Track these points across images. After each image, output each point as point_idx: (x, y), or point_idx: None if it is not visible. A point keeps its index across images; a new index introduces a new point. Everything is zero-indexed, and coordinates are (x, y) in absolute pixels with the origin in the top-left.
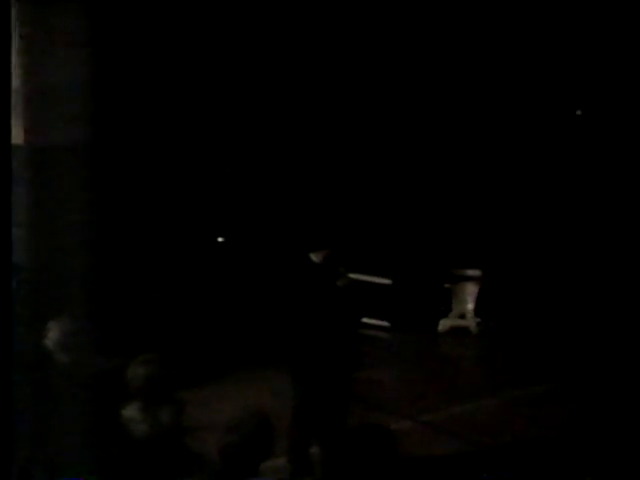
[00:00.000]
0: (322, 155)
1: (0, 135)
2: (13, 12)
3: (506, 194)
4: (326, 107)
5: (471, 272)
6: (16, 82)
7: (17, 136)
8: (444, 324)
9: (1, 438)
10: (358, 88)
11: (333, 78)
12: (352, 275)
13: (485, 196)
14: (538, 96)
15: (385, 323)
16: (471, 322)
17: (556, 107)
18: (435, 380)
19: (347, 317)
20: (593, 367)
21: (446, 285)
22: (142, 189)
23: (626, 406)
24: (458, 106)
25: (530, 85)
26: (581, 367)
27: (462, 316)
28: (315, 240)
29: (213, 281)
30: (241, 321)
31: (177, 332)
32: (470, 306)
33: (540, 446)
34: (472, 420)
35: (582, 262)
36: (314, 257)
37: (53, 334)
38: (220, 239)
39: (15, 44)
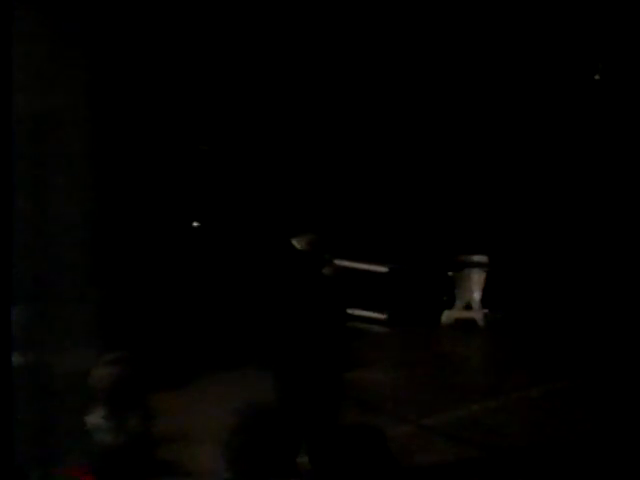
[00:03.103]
0: (312, 140)
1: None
2: None
3: (515, 177)
4: (314, 96)
5: (477, 258)
6: None
7: None
8: (448, 316)
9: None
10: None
11: (323, 73)
12: (342, 262)
13: (491, 178)
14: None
15: (381, 315)
16: (478, 314)
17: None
18: (438, 379)
19: (335, 309)
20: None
21: (449, 273)
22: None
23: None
24: (463, 97)
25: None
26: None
27: (468, 307)
28: (298, 224)
29: (188, 271)
30: (220, 315)
31: (149, 328)
32: (477, 296)
33: (551, 451)
34: (480, 424)
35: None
36: (296, 243)
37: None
38: (195, 224)
39: None
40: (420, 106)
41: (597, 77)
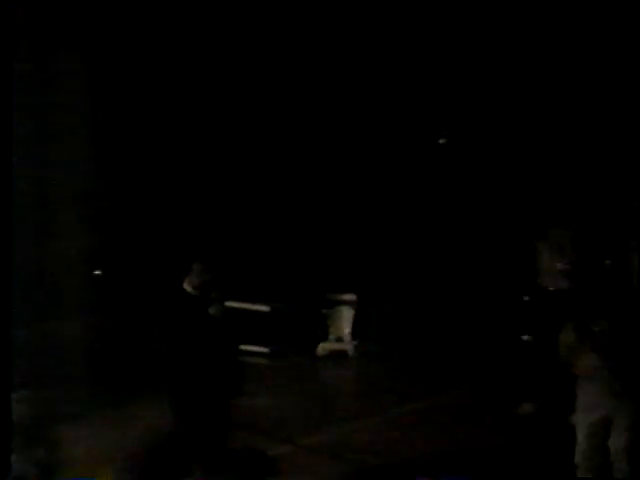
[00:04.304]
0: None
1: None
2: None
3: (366, 223)
4: None
5: (346, 297)
6: None
7: None
8: (322, 348)
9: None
10: None
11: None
12: (230, 303)
13: (351, 225)
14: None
15: (265, 349)
16: (348, 345)
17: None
18: (315, 404)
19: (223, 345)
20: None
21: (323, 310)
22: None
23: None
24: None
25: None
26: (457, 382)
27: (339, 340)
28: (189, 269)
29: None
30: (120, 348)
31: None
32: (347, 330)
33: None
34: (353, 441)
35: (449, 281)
36: (186, 286)
37: None
38: (97, 272)
39: None
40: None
41: (442, 141)
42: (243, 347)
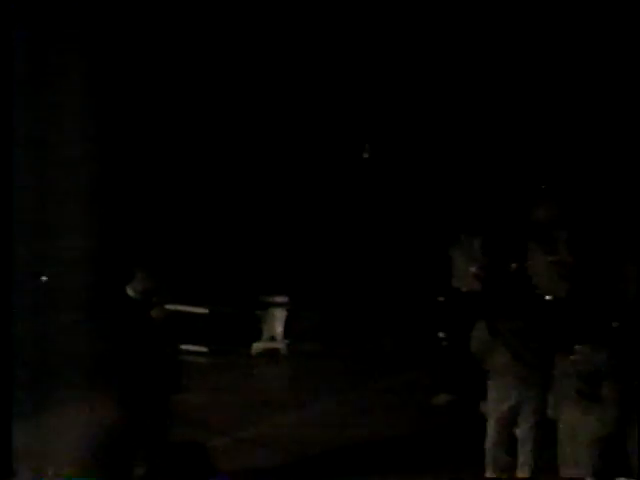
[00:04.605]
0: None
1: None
2: None
3: (297, 229)
4: None
5: (278, 299)
6: None
7: None
8: (257, 347)
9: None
10: None
11: None
12: (170, 306)
13: (283, 230)
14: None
15: (204, 349)
16: (280, 344)
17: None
18: (250, 398)
19: (164, 345)
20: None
21: (257, 312)
22: None
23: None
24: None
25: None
26: (381, 377)
27: (273, 339)
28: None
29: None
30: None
31: None
32: (279, 330)
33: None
34: (286, 433)
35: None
36: (129, 291)
37: None
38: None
39: None
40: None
41: (365, 155)
42: (183, 347)
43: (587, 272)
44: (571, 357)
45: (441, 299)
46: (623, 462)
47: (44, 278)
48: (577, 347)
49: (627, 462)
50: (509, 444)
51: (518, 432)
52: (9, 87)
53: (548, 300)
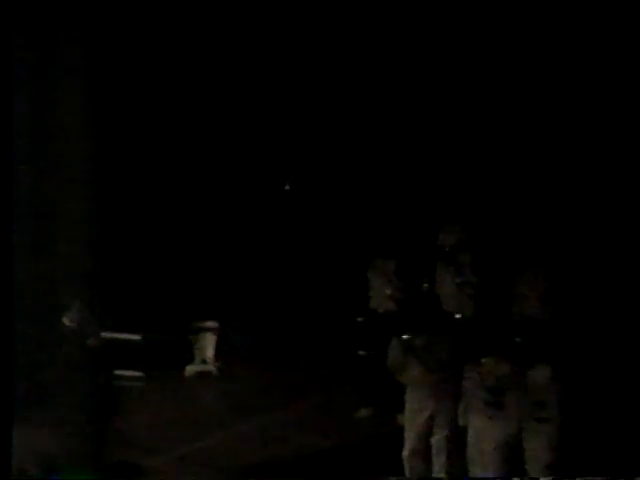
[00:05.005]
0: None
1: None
2: None
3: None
4: None
5: (209, 324)
6: None
7: None
8: (190, 370)
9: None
10: None
11: None
12: (106, 334)
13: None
14: None
15: (139, 374)
16: (212, 367)
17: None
18: (183, 418)
19: (100, 371)
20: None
21: (189, 336)
22: None
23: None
24: None
25: None
26: (307, 394)
27: (204, 362)
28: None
29: None
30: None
31: None
32: (210, 353)
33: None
34: (217, 450)
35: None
36: (66, 321)
37: None
38: None
39: None
40: None
41: (287, 188)
42: (120, 372)
43: (490, 292)
44: (478, 369)
45: (360, 319)
46: (522, 465)
47: None
48: (483, 360)
49: (524, 465)
50: (425, 453)
51: (433, 441)
52: (9, 87)
53: (457, 318)
